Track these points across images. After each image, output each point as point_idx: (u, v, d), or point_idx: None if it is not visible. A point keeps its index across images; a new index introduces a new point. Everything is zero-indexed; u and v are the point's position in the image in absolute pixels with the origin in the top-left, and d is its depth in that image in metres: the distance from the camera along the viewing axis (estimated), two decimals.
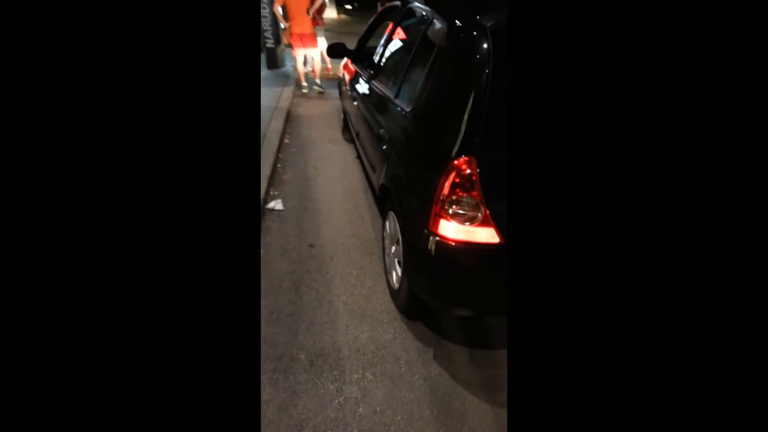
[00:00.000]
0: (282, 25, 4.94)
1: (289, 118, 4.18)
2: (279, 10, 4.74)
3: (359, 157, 2.76)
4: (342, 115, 3.59)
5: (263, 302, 1.76)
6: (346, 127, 3.43)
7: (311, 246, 2.15)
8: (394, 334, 1.60)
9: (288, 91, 4.89)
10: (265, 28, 5.79)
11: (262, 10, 5.73)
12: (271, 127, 3.70)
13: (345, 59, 3.05)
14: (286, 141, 3.59)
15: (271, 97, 4.66)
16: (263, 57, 6.15)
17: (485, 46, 1.20)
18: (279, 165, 3.10)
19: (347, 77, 2.88)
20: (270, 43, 5.90)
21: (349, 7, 19.99)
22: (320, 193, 2.69)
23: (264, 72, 5.91)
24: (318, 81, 5.14)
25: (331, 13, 16.03)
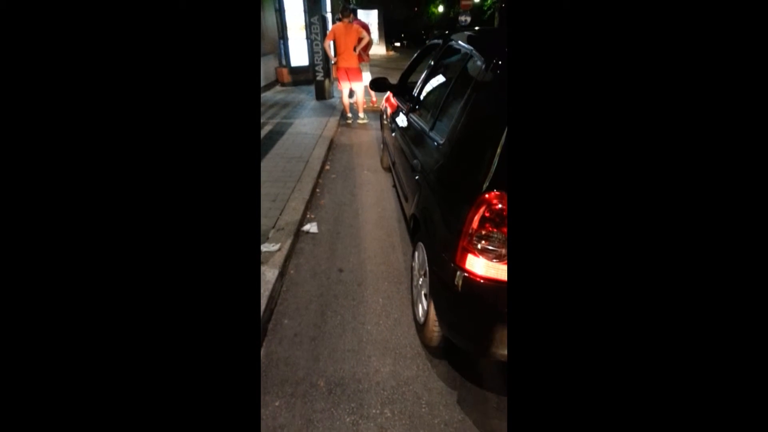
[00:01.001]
0: (331, 60, 5.25)
1: (332, 146, 4.34)
2: (329, 45, 5.08)
3: (395, 185, 2.80)
4: (381, 146, 3.70)
5: (289, 323, 1.76)
6: (384, 156, 3.54)
7: (341, 271, 2.15)
8: (417, 371, 1.53)
9: (333, 121, 5.12)
10: (316, 62, 6.19)
11: (314, 47, 6.16)
12: (314, 154, 3.86)
13: (388, 93, 3.18)
14: (327, 167, 3.71)
15: (317, 126, 4.90)
16: (313, 89, 6.53)
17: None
18: (318, 190, 3.20)
19: (389, 110, 3.00)
20: (320, 76, 6.27)
21: (398, 44, 20.95)
22: (354, 219, 2.72)
23: (312, 103, 6.25)
24: (361, 114, 5.35)
25: (380, 50, 16.85)
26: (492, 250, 1.16)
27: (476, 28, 2.35)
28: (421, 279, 1.65)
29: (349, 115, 5.32)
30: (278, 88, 7.65)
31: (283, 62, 7.68)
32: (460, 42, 1.93)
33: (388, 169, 3.44)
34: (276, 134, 4.54)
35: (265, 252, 2.14)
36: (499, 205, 1.14)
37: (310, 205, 2.88)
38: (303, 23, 7.13)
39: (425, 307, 1.57)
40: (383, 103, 3.46)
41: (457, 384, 1.48)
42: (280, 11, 7.34)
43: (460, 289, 1.22)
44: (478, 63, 1.53)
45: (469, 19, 14.11)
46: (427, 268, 1.50)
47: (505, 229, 1.14)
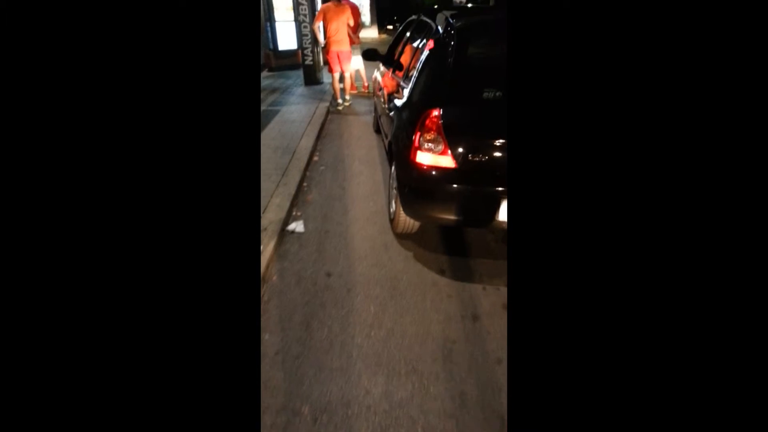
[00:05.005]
0: (320, 43, 4.98)
1: (321, 135, 4.12)
2: (318, 27, 4.80)
3: (380, 133, 3.41)
4: (375, 126, 4.04)
5: (270, 338, 1.60)
6: (377, 131, 3.98)
7: (329, 275, 1.98)
8: (411, 390, 1.38)
9: (323, 107, 4.87)
10: (304, 45, 5.88)
11: (303, 29, 5.85)
12: (301, 144, 3.64)
13: (380, 78, 3.50)
14: (315, 158, 3.50)
15: (306, 113, 4.65)
16: (301, 73, 6.24)
17: (451, 40, 1.99)
18: (305, 183, 3.00)
19: (379, 78, 3.54)
20: (308, 60, 5.98)
21: (390, 27, 20.52)
22: (344, 216, 2.54)
23: (300, 89, 5.97)
24: (347, 97, 5.13)
25: (371, 33, 16.46)
26: (432, 147, 1.80)
27: (469, 5, 3.18)
28: (393, 185, 2.25)
29: (340, 100, 5.08)
30: (265, 73, 7.33)
31: (270, 46, 7.34)
32: (424, 17, 2.69)
33: (380, 148, 3.74)
34: (262, 122, 4.30)
35: None
36: (435, 113, 1.79)
37: (296, 201, 2.69)
38: (291, 4, 6.75)
39: (392, 206, 2.25)
40: (376, 83, 3.73)
41: (456, 406, 1.33)
42: None
43: (414, 174, 1.87)
44: (433, 31, 2.29)
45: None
46: (394, 173, 2.17)
47: (438, 133, 1.78)
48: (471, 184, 1.75)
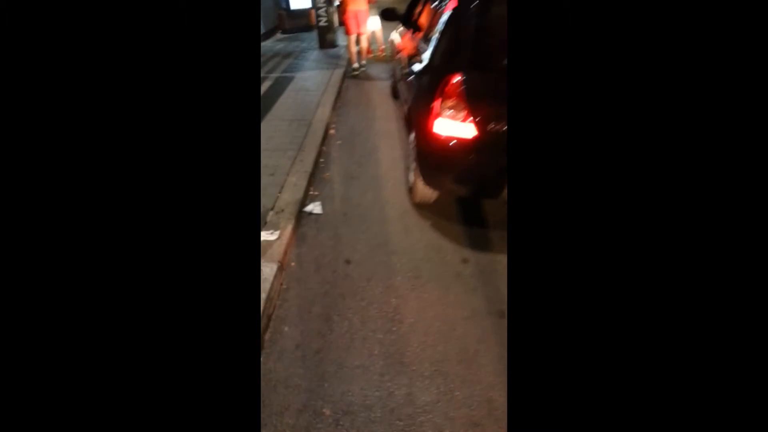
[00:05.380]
0: (335, 1, 4.65)
1: (337, 104, 3.93)
2: None
3: (398, 98, 3.34)
4: (392, 92, 3.92)
5: (289, 331, 1.56)
6: (395, 97, 3.81)
7: (348, 262, 1.91)
8: (437, 393, 1.33)
9: (338, 74, 4.63)
10: (318, 5, 5.52)
11: None
12: (317, 115, 3.48)
13: (398, 42, 3.41)
14: (332, 131, 3.35)
15: (320, 80, 4.43)
16: (315, 35, 5.91)
17: (472, 3, 1.84)
18: (322, 159, 2.88)
19: (399, 45, 3.35)
20: (323, 22, 5.63)
21: None
22: (362, 196, 2.43)
23: (314, 53, 5.68)
24: (363, 62, 4.87)
25: None
26: (453, 114, 1.70)
27: None
28: (412, 154, 2.18)
29: (356, 65, 4.82)
30: (279, 35, 6.98)
31: (283, 5, 6.93)
32: None
33: (395, 97, 3.73)
34: (276, 91, 4.12)
35: (263, 241, 1.90)
36: (457, 79, 1.70)
37: (312, 179, 2.58)
38: None
39: (412, 173, 2.18)
40: (393, 44, 3.65)
41: (483, 412, 1.28)
42: None
43: (434, 143, 1.79)
44: None
45: None
46: (413, 141, 2.11)
47: (460, 99, 1.69)
48: (492, 154, 1.68)
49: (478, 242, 2.04)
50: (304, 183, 2.43)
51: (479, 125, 1.68)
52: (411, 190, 2.25)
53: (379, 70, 4.97)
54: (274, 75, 4.75)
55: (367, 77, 4.82)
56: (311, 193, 2.47)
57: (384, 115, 3.68)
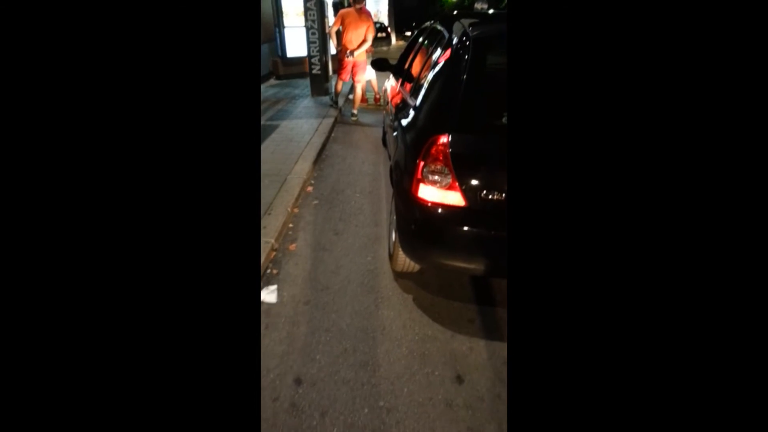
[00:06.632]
0: (334, 49, 4.52)
1: (321, 156, 3.58)
2: (334, 33, 4.45)
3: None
4: (384, 142, 3.61)
5: None
6: (386, 146, 3.50)
7: (297, 383, 1.41)
8: None
9: (326, 123, 4.34)
10: (312, 53, 5.39)
11: (311, 35, 5.35)
12: (296, 169, 3.10)
13: (389, 91, 3.23)
14: (309, 189, 2.95)
15: (307, 129, 4.12)
16: (308, 83, 5.75)
17: (465, 54, 1.59)
18: (291, 225, 2.44)
19: (389, 91, 3.20)
20: (316, 70, 5.48)
21: (408, 33, 20.31)
22: (333, 276, 1.97)
23: (306, 100, 5.47)
24: (354, 111, 4.67)
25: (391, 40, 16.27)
26: (438, 180, 1.48)
27: (490, 11, 2.62)
28: (393, 217, 1.92)
29: (336, 100, 4.69)
30: (273, 81, 6.88)
31: (279, 52, 6.89)
32: (438, 25, 2.30)
33: (385, 146, 3.45)
34: None
35: None
36: (443, 140, 1.46)
37: (274, 253, 2.13)
38: (301, 8, 6.29)
39: (392, 239, 1.91)
40: (386, 92, 3.39)
41: None
42: None
43: (414, 210, 1.55)
44: (446, 41, 1.87)
45: (486, 6, 12.87)
46: (393, 204, 1.88)
47: (446, 164, 1.45)
48: (483, 227, 1.45)
49: (478, 337, 1.54)
50: (261, 258, 1.98)
51: (469, 193, 1.44)
52: (391, 256, 1.96)
53: (373, 119, 4.71)
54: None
55: (359, 125, 4.55)
56: (270, 271, 2.01)
57: (371, 169, 3.31)
